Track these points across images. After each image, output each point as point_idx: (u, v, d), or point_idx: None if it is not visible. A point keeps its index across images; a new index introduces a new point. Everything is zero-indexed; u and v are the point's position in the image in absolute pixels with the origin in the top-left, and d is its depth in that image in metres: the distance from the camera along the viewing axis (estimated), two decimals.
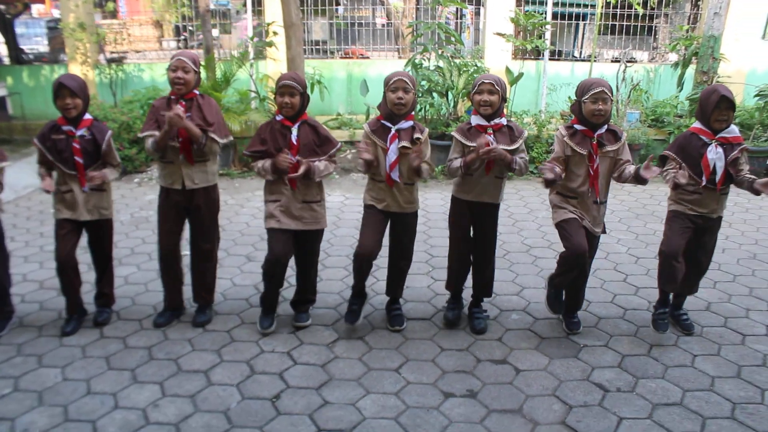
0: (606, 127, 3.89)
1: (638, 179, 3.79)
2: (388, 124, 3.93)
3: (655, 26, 11.94)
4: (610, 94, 3.76)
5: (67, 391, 3.52)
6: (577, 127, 3.90)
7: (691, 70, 9.32)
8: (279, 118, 3.98)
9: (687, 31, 10.32)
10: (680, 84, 9.21)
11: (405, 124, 3.92)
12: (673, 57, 10.29)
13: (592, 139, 3.85)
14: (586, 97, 3.77)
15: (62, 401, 3.43)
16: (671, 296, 4.28)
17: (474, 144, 3.85)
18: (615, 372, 3.75)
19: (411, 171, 3.96)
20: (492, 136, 3.88)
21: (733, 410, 3.39)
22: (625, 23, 10.68)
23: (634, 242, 5.94)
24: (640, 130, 8.42)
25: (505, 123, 3.96)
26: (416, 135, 3.92)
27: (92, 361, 3.83)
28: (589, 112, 3.79)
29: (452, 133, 4.10)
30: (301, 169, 3.87)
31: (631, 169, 3.86)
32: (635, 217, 6.70)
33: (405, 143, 3.90)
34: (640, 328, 4.25)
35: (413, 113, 4.02)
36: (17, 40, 12.37)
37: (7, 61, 12.12)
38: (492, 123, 3.91)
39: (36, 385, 3.58)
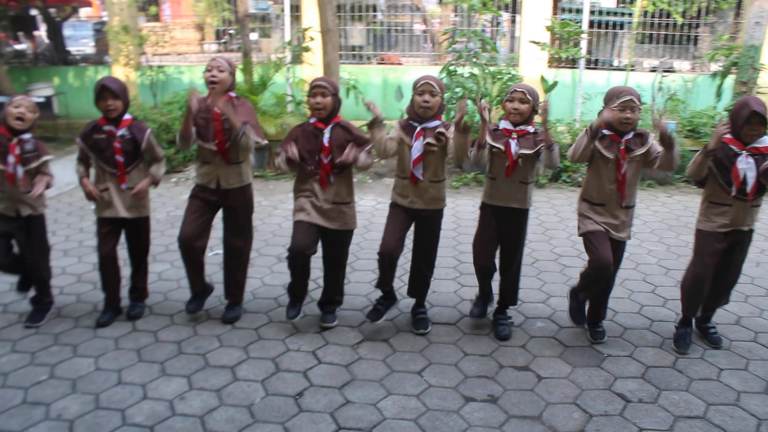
0: (633, 132, 3.88)
1: (664, 143, 3.75)
2: (415, 123, 4.00)
3: (697, 35, 11.76)
4: (638, 102, 3.76)
5: (99, 380, 3.65)
6: (605, 131, 3.90)
7: (730, 80, 9.18)
8: (312, 120, 4.07)
9: (728, 40, 10.15)
10: (719, 94, 9.08)
11: (431, 123, 3.99)
12: (716, 67, 10.13)
13: (619, 144, 3.85)
14: (614, 105, 3.78)
15: (94, 390, 3.56)
16: (699, 309, 4.25)
17: (498, 145, 3.92)
18: (638, 383, 3.73)
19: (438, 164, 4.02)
20: (516, 140, 3.92)
21: (758, 426, 3.35)
22: (665, 32, 10.56)
23: (665, 253, 5.88)
24: (675, 140, 8.30)
25: (531, 130, 3.99)
26: (439, 130, 3.97)
27: (124, 352, 3.97)
28: (617, 121, 3.79)
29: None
30: (352, 154, 3.96)
31: (659, 149, 3.83)
32: (668, 228, 6.63)
33: (430, 140, 3.96)
34: (666, 340, 4.22)
35: (441, 115, 4.08)
36: (65, 42, 12.78)
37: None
38: (518, 128, 3.95)
39: (70, 373, 3.73)
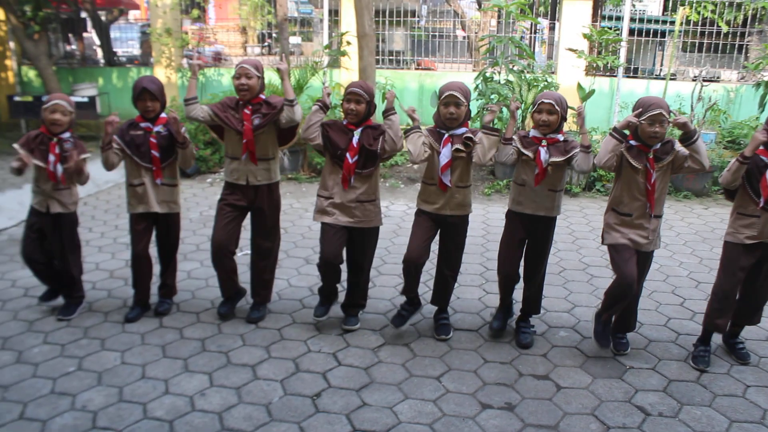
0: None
1: (686, 135, 3.71)
2: (442, 131, 4.03)
3: (747, 44, 11.49)
4: (667, 116, 3.70)
5: (124, 374, 3.76)
6: (632, 142, 3.85)
7: None
8: (345, 122, 4.13)
9: None
10: (762, 105, 8.85)
11: (459, 131, 4.01)
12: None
13: (648, 154, 3.80)
14: (644, 118, 3.72)
15: (119, 383, 3.67)
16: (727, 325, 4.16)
17: (528, 153, 3.93)
18: (659, 396, 3.67)
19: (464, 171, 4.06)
20: (545, 148, 3.91)
21: None
22: (712, 41, 10.34)
23: (697, 266, 5.76)
24: (714, 152, 8.14)
25: (561, 139, 3.97)
26: (467, 135, 4.00)
27: (149, 348, 4.07)
28: (645, 135, 3.74)
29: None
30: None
31: (685, 151, 3.76)
32: (702, 241, 6.49)
33: (458, 146, 3.98)
34: (691, 354, 4.14)
35: (468, 122, 4.10)
36: (111, 44, 13.14)
37: (101, 63, 12.89)
38: (548, 136, 3.95)
39: (97, 366, 3.84)
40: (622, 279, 3.83)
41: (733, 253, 3.90)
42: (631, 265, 3.83)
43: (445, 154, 4.00)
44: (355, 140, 4.05)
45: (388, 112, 4.11)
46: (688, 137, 3.71)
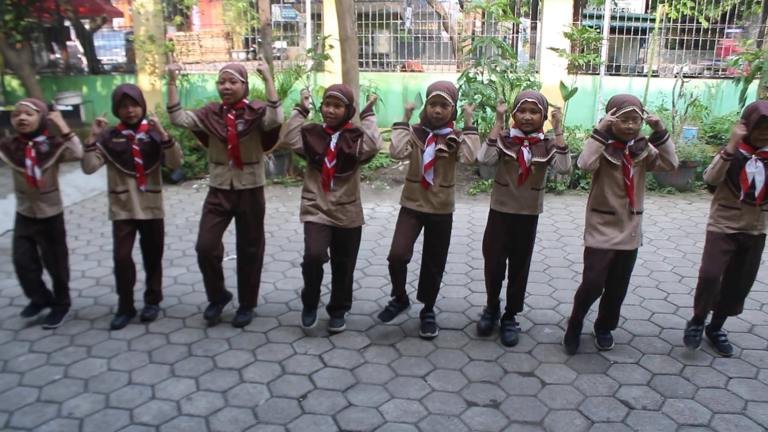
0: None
1: (654, 127, 3.79)
2: (427, 129, 4.06)
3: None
4: (640, 112, 3.76)
5: (110, 380, 3.76)
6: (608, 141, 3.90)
7: (755, 85, 9.04)
8: (324, 125, 4.15)
9: (754, 45, 10.01)
10: (742, 100, 8.95)
11: (444, 130, 4.05)
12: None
13: (624, 150, 3.85)
14: (617, 115, 3.77)
15: (105, 389, 3.67)
16: (710, 316, 4.22)
17: (511, 153, 3.96)
18: (643, 390, 3.71)
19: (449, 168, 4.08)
20: (528, 148, 3.95)
21: None
22: (694, 37, 10.45)
23: (680, 261, 5.83)
24: (696, 147, 8.22)
25: (542, 137, 4.01)
26: (450, 136, 4.03)
27: (136, 354, 4.07)
28: (619, 131, 3.80)
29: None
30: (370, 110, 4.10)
31: (654, 150, 3.85)
32: (685, 236, 6.56)
33: (441, 146, 4.01)
34: (674, 347, 4.19)
35: (453, 122, 4.13)
36: (95, 52, 13.10)
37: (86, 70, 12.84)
38: (530, 136, 3.98)
39: (83, 373, 3.84)
40: (589, 282, 3.98)
41: (716, 240, 3.97)
42: (602, 273, 3.94)
43: (429, 153, 4.03)
44: (332, 144, 4.07)
45: (366, 113, 4.15)
46: (658, 137, 3.78)
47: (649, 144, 3.87)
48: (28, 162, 4.15)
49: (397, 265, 4.19)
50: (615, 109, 3.78)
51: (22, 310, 4.54)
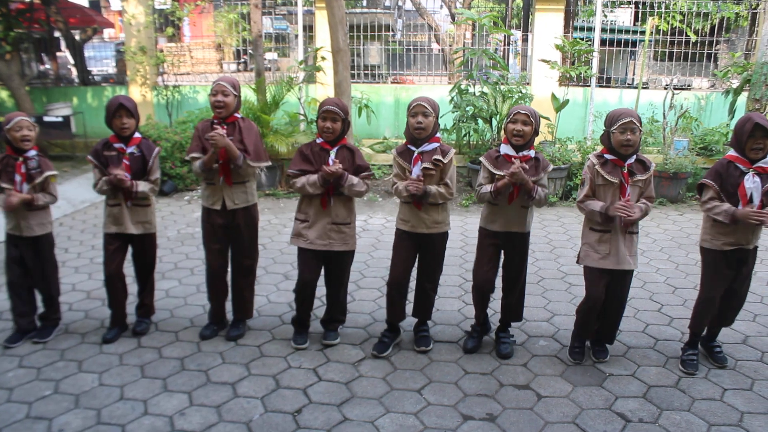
0: (635, 156, 3.89)
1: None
2: (412, 148, 4.04)
3: (716, 52, 11.72)
4: (638, 124, 3.77)
5: (102, 396, 3.70)
6: (608, 156, 3.91)
7: (744, 97, 9.13)
8: (319, 141, 4.13)
9: (743, 58, 10.11)
10: (732, 112, 9.03)
11: (429, 147, 4.02)
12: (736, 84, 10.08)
13: (622, 168, 3.85)
14: (615, 127, 3.79)
15: (96, 405, 3.61)
16: (706, 328, 4.22)
17: (501, 172, 3.93)
18: (639, 402, 3.70)
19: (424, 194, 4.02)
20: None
21: None
22: (683, 50, 10.53)
23: (673, 272, 5.84)
24: (687, 158, 8.27)
25: (533, 155, 4.01)
26: (436, 156, 4.01)
27: (128, 368, 4.02)
28: (618, 143, 3.80)
29: (480, 159, 4.17)
30: (338, 166, 3.94)
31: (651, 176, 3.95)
32: (678, 247, 6.58)
33: (427, 164, 3.99)
34: (669, 359, 4.19)
35: (438, 135, 4.11)
36: (85, 63, 13.05)
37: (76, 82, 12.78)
38: (521, 154, 3.97)
39: (74, 388, 3.79)
40: (590, 297, 4.02)
41: (714, 261, 3.96)
42: (601, 287, 3.98)
43: (416, 172, 4.01)
44: (331, 160, 4.06)
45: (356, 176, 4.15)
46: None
47: (652, 167, 3.91)
48: (17, 178, 4.12)
49: (396, 291, 4.20)
50: (614, 122, 3.81)
51: (5, 338, 4.37)
